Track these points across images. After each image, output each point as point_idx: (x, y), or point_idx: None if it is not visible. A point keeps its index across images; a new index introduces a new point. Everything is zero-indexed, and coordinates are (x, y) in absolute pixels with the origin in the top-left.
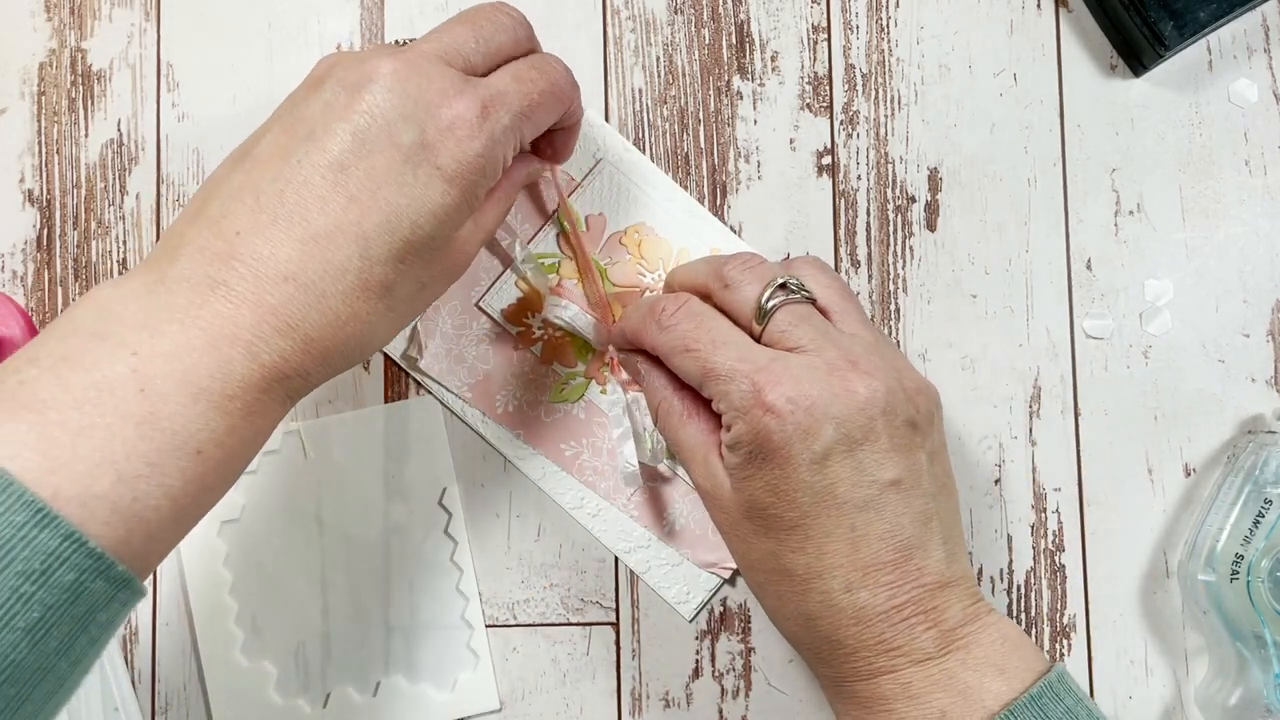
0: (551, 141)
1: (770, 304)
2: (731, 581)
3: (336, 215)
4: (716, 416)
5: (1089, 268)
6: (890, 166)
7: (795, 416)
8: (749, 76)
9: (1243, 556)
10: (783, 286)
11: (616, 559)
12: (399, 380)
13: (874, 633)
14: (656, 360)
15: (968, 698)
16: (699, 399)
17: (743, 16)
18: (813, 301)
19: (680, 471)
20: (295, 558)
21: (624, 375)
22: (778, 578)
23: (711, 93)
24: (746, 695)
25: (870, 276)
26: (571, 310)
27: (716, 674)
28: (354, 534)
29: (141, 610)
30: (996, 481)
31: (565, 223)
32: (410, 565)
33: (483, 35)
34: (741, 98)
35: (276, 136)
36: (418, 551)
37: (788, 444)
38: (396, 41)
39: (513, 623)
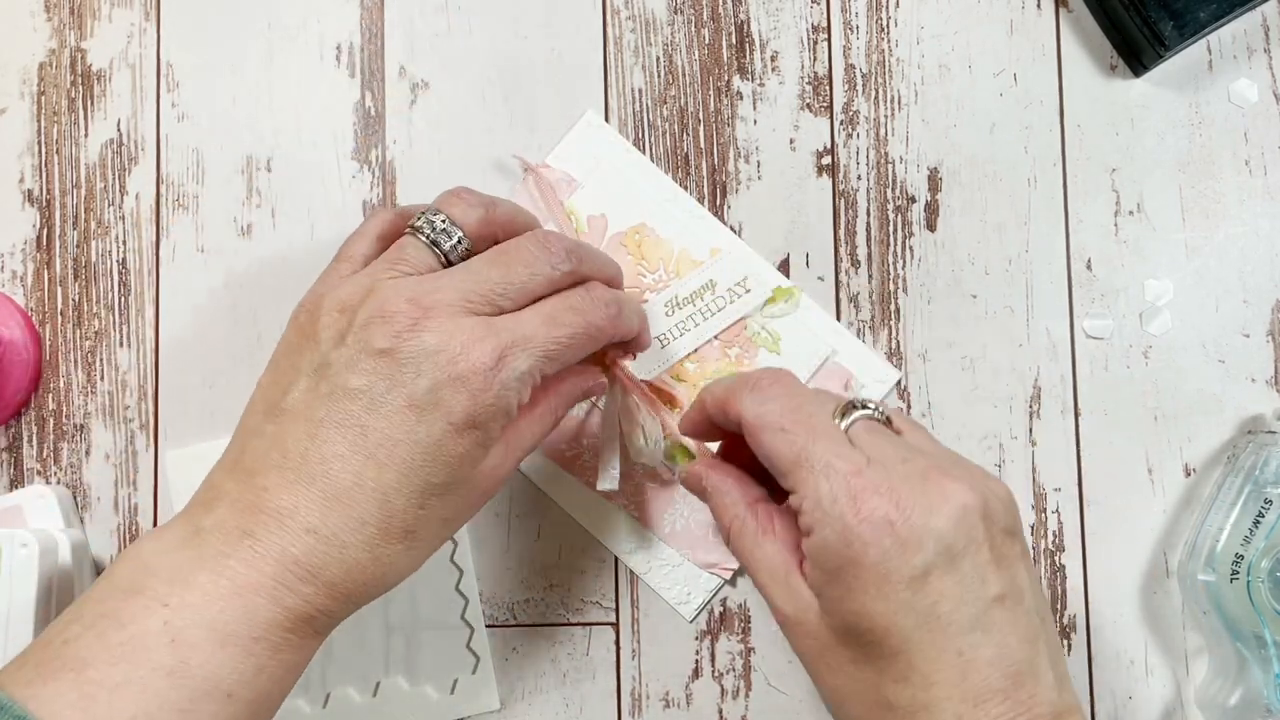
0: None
1: (845, 420)
2: (732, 582)
3: (355, 472)
4: (794, 533)
5: (1089, 268)
6: (890, 166)
7: (895, 529)
8: (749, 76)
9: (1243, 556)
10: (852, 404)
11: (616, 559)
12: None
13: None
14: (729, 472)
15: None
16: (775, 514)
17: (743, 16)
18: (888, 422)
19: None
20: None
21: (627, 373)
22: (878, 712)
23: (711, 93)
24: (746, 695)
25: (870, 276)
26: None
27: (716, 674)
28: None
29: None
30: None
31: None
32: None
33: (514, 280)
34: (741, 98)
35: (303, 392)
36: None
37: (885, 559)
38: (414, 227)
39: (513, 623)
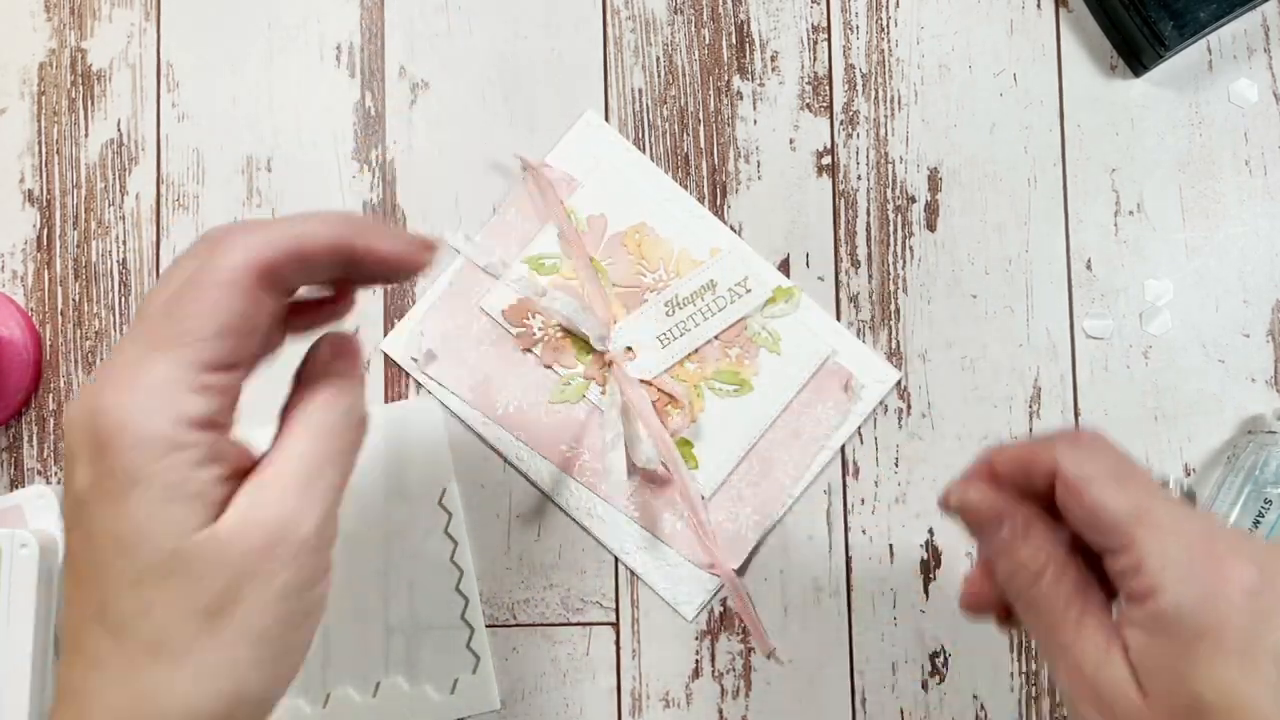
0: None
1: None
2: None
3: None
4: (1106, 612)
5: (1089, 268)
6: (890, 166)
7: (1262, 600)
8: (749, 76)
9: None
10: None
11: (616, 559)
12: (399, 380)
13: None
14: (1014, 493)
15: None
16: (1086, 583)
17: (743, 16)
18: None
19: (683, 473)
20: None
21: (627, 374)
22: None
23: (711, 93)
24: (746, 695)
25: (870, 276)
26: (561, 300)
27: (716, 674)
28: (354, 534)
29: None
30: None
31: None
32: (410, 566)
33: None
34: (741, 98)
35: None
36: (417, 552)
37: (1253, 628)
38: None
39: (513, 623)
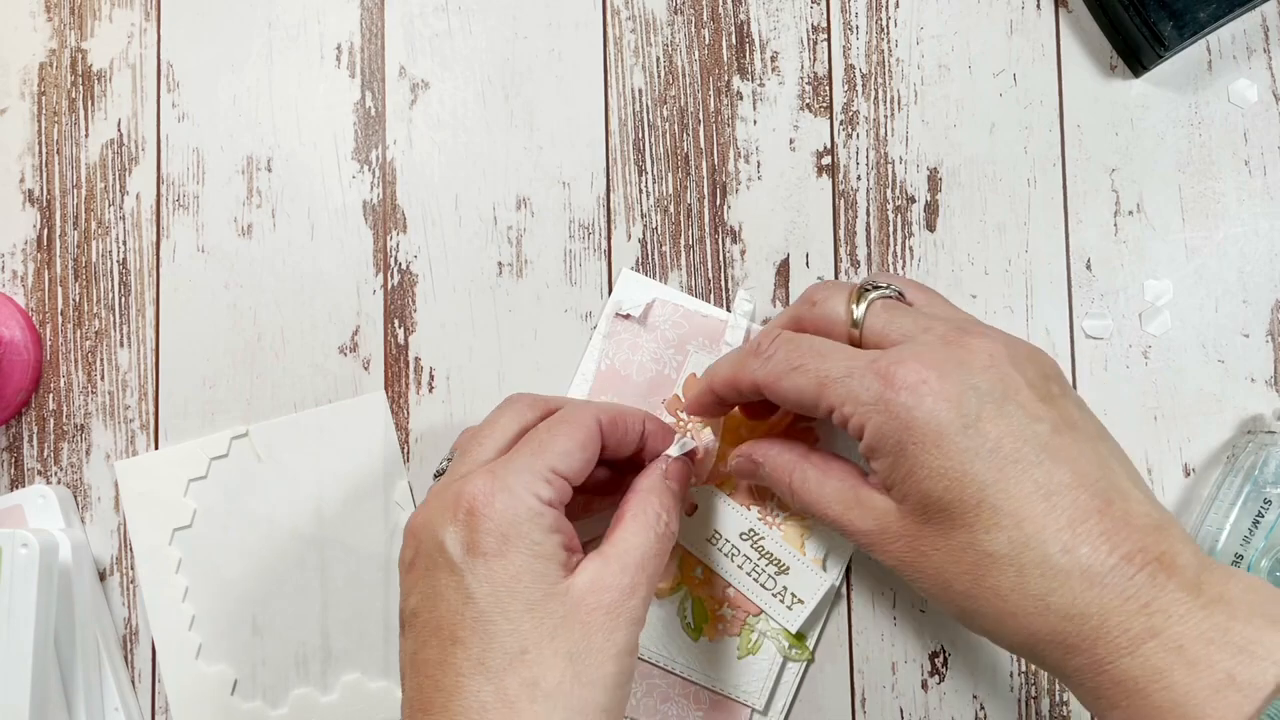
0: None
1: (862, 304)
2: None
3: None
4: (848, 465)
5: (1089, 268)
6: (890, 167)
7: (931, 387)
8: (749, 76)
9: (1242, 556)
10: (867, 289)
11: None
12: (399, 380)
13: (1115, 591)
14: (772, 440)
15: (1252, 655)
16: (827, 458)
17: (743, 17)
18: (900, 297)
19: None
20: (250, 561)
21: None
22: (984, 572)
23: (711, 93)
24: None
25: None
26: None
27: None
28: (308, 534)
29: (140, 611)
30: None
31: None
32: (364, 563)
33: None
34: (741, 98)
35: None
36: (371, 550)
37: (935, 417)
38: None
39: None
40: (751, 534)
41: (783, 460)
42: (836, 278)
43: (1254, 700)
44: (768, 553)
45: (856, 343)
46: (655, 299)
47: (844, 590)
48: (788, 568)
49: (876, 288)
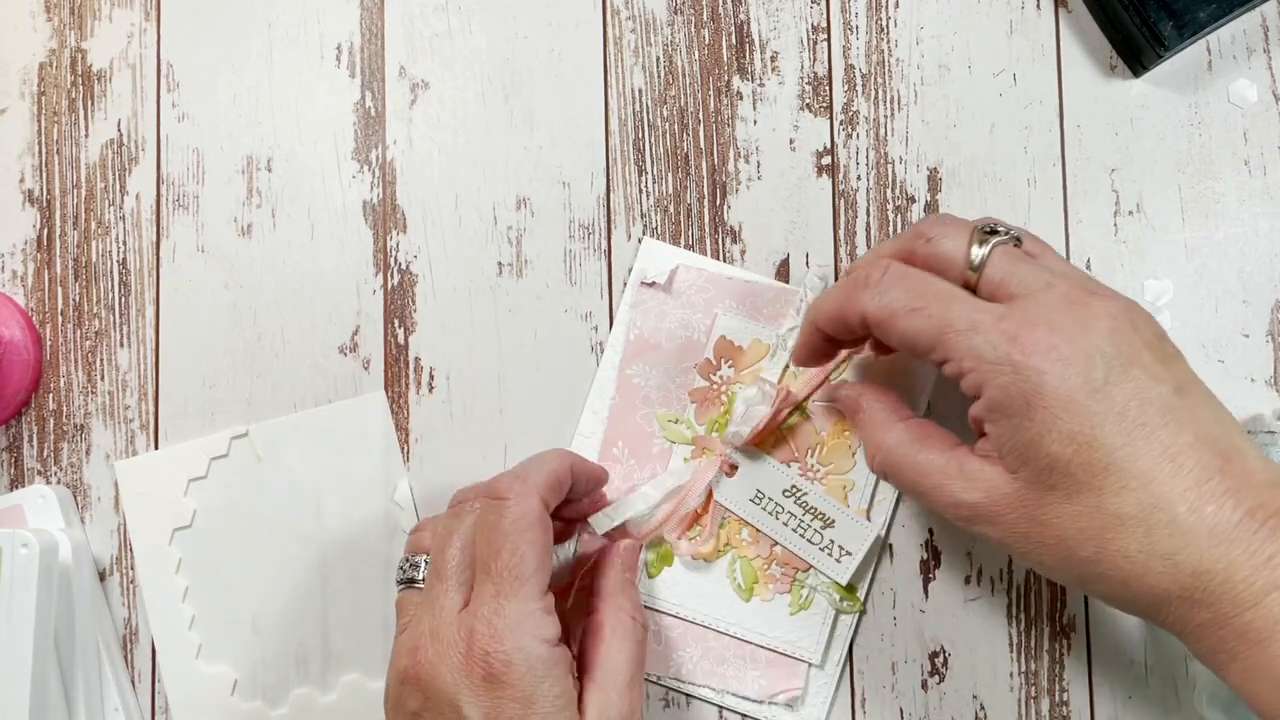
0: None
1: (984, 249)
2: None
3: None
4: (949, 438)
5: (1089, 268)
6: (890, 167)
7: (1060, 352)
8: (749, 76)
9: None
10: (989, 231)
11: None
12: (399, 380)
13: (1241, 547)
14: (881, 391)
15: None
16: (925, 424)
17: (743, 17)
18: (1019, 243)
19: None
20: (250, 561)
21: (711, 475)
22: (1112, 534)
23: (711, 93)
24: None
25: None
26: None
27: None
28: (308, 534)
29: (140, 611)
30: None
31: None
32: (364, 563)
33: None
34: (741, 98)
35: None
36: (371, 550)
37: (1064, 381)
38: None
39: None
40: (794, 490)
41: (884, 417)
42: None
43: None
44: (812, 507)
45: (971, 287)
46: (679, 265)
47: (887, 543)
48: (833, 521)
49: (997, 232)
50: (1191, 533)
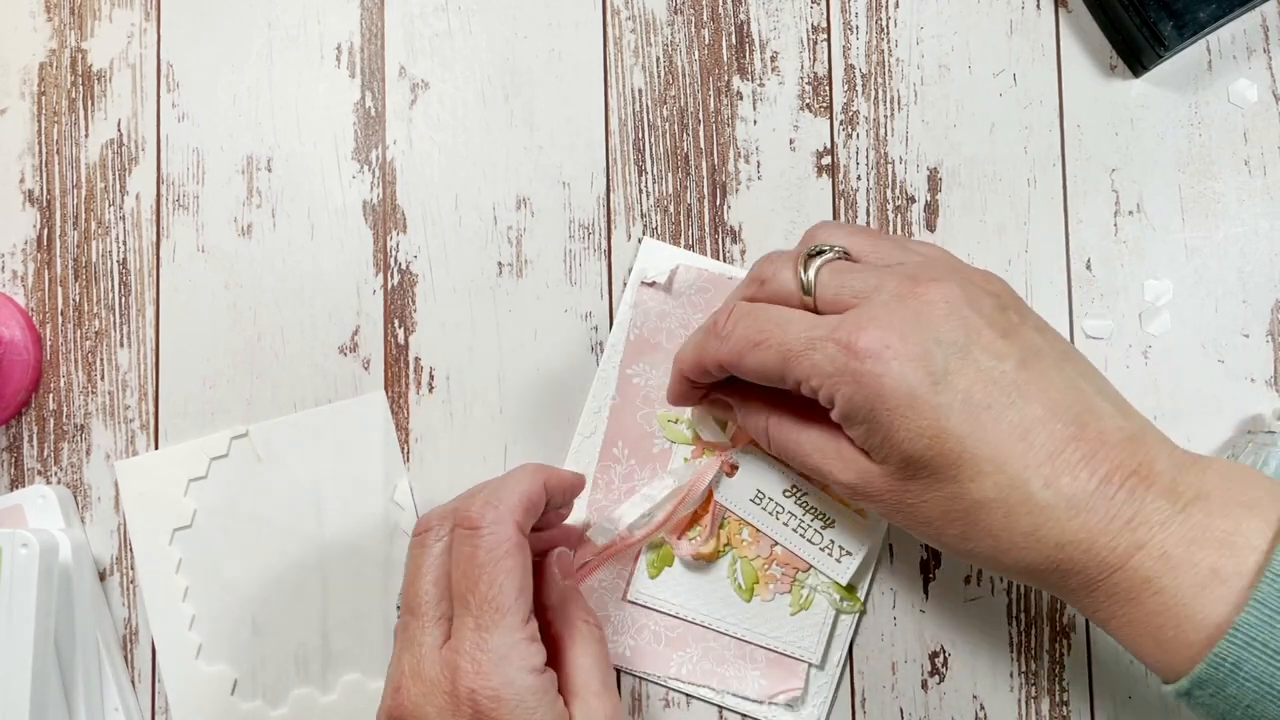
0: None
1: (810, 272)
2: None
3: None
4: (828, 418)
5: (1089, 268)
6: (890, 167)
7: (895, 350)
8: (749, 77)
9: None
10: (812, 255)
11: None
12: (399, 380)
13: (1099, 514)
14: (741, 390)
15: (1232, 546)
16: (803, 403)
17: (743, 17)
18: (846, 255)
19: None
20: (250, 561)
21: (713, 476)
22: (976, 516)
23: (711, 93)
24: None
25: None
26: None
27: None
28: (308, 534)
29: (140, 611)
30: None
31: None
32: (364, 563)
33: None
34: (741, 98)
35: None
36: (373, 549)
37: (903, 381)
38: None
39: None
40: (794, 490)
41: (756, 410)
42: None
43: (1237, 589)
44: (812, 507)
45: (812, 309)
46: (679, 265)
47: (887, 543)
48: (833, 521)
49: (820, 252)
50: (1049, 508)
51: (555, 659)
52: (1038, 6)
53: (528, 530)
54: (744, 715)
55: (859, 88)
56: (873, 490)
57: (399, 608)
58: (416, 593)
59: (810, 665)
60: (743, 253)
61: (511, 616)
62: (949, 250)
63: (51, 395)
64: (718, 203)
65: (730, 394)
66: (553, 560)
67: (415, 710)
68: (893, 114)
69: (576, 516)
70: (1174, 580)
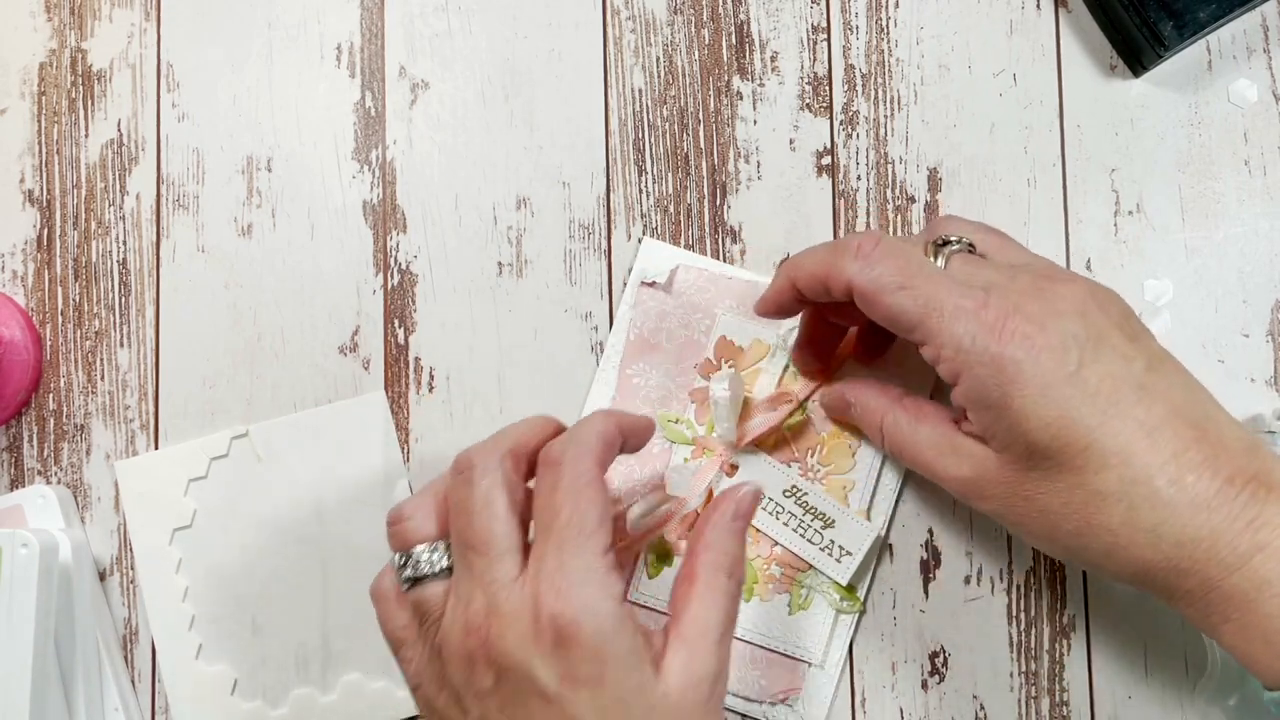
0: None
1: (941, 259)
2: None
3: None
4: (942, 411)
5: (1089, 268)
6: (890, 167)
7: (1035, 340)
8: (749, 76)
9: None
10: (940, 244)
11: None
12: (399, 380)
13: (1223, 514)
14: (865, 383)
15: None
16: (920, 403)
17: (743, 17)
18: (973, 248)
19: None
20: (250, 561)
21: (713, 476)
22: (1095, 510)
23: (711, 93)
24: None
25: None
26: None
27: None
28: (309, 534)
29: (140, 611)
30: None
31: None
32: (364, 563)
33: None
34: (741, 98)
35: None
36: (372, 550)
37: (1039, 369)
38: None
39: None
40: (795, 490)
41: (875, 403)
42: None
43: None
44: (812, 507)
45: None
46: (679, 265)
47: (887, 543)
48: (833, 521)
49: (949, 242)
50: (1172, 504)
51: (681, 597)
52: (1038, 6)
53: (606, 468)
54: (744, 715)
55: (859, 88)
56: (989, 481)
57: (406, 581)
58: (477, 530)
59: (810, 665)
60: (742, 253)
61: (594, 541)
62: None
63: (51, 395)
64: (718, 203)
65: (850, 388)
66: (734, 495)
67: (499, 643)
68: (893, 114)
69: None
70: None
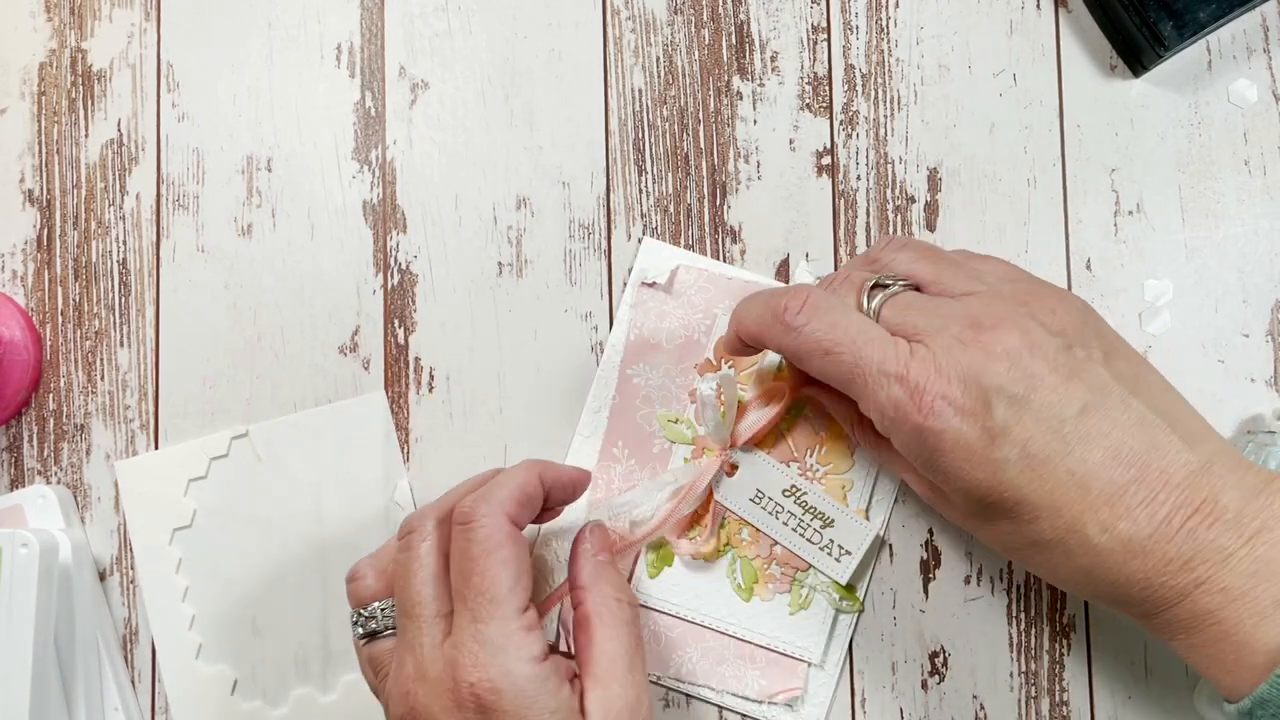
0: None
1: (874, 303)
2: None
3: None
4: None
5: (1089, 268)
6: (890, 167)
7: (957, 404)
8: (749, 76)
9: None
10: (875, 286)
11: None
12: (399, 380)
13: (1157, 557)
14: (828, 391)
15: None
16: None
17: (743, 17)
18: (915, 286)
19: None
20: (250, 561)
21: (713, 476)
22: (1034, 550)
23: (711, 93)
24: None
25: None
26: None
27: None
28: (309, 534)
29: (140, 611)
30: None
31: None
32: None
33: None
34: (741, 98)
35: None
36: (371, 550)
37: (960, 436)
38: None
39: None
40: (794, 490)
41: (847, 414)
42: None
43: None
44: (811, 507)
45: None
46: (679, 265)
47: (887, 543)
48: (832, 520)
49: (884, 286)
50: (1106, 551)
51: (583, 640)
52: (1038, 6)
53: (523, 523)
54: (744, 715)
55: (859, 88)
56: (942, 505)
57: (361, 638)
58: (410, 595)
59: (810, 665)
60: (742, 253)
61: (505, 606)
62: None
63: (51, 395)
64: (718, 203)
65: (829, 397)
66: (585, 535)
67: (425, 713)
68: (893, 114)
69: (577, 516)
70: (1234, 612)
